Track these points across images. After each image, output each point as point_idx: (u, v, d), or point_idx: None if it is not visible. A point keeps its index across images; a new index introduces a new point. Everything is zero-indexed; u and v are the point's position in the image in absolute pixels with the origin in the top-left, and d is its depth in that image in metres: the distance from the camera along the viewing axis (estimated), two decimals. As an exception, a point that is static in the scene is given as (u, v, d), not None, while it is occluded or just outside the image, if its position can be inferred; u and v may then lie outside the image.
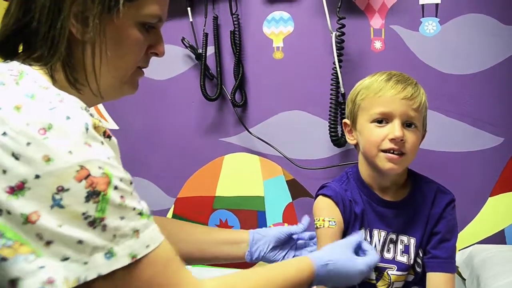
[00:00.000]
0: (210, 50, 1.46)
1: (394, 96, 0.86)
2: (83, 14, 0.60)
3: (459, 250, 1.31)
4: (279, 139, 1.44)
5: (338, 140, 1.30)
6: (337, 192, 0.94)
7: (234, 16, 1.41)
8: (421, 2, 1.29)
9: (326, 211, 0.92)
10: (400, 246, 0.93)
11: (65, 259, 0.49)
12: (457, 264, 1.30)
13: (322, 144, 1.39)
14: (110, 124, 1.65)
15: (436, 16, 1.29)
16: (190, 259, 0.92)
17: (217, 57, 1.45)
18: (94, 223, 0.50)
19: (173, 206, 1.59)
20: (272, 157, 1.46)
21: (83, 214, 0.49)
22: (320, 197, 0.95)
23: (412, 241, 0.93)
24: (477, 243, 1.29)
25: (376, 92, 0.88)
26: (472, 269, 1.16)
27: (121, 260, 0.51)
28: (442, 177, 1.29)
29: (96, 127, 0.54)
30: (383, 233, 0.93)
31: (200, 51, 1.45)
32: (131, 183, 0.56)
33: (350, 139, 0.96)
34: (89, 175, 0.50)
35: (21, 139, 0.48)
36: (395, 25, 1.32)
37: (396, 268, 0.93)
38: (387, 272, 0.92)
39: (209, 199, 1.55)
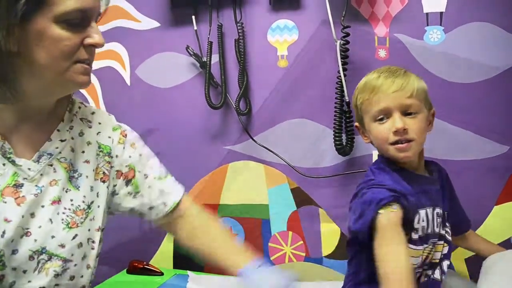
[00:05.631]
0: (215, 58, 1.46)
1: (386, 92, 0.94)
2: None
3: (464, 259, 1.30)
4: (284, 147, 1.44)
5: (342, 148, 1.29)
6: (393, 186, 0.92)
7: (238, 24, 1.42)
8: (425, 11, 1.29)
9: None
10: (439, 219, 0.98)
11: None
12: (462, 272, 1.30)
13: (327, 153, 1.39)
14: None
15: (440, 25, 1.29)
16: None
17: (221, 65, 1.45)
18: None
19: (177, 214, 1.59)
20: (276, 165, 1.46)
21: None
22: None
23: (445, 212, 1.01)
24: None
25: (371, 92, 0.96)
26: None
27: None
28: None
29: None
30: (429, 210, 0.96)
31: (204, 59, 1.46)
32: None
33: (365, 139, 1.05)
34: None
35: None
36: (399, 34, 1.32)
37: (438, 239, 0.99)
38: (437, 244, 0.99)
39: (213, 207, 1.54)
